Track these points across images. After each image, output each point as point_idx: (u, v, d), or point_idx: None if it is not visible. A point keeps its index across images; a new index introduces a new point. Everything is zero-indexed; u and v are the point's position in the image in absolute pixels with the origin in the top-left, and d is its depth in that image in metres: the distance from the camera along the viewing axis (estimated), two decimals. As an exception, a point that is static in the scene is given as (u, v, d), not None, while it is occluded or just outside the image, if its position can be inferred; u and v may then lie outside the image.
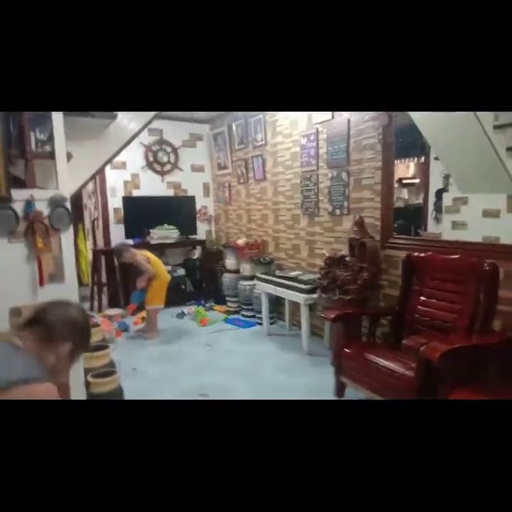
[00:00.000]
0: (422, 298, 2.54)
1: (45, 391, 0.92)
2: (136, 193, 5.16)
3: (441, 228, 2.73)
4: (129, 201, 4.97)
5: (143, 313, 4.41)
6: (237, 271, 4.70)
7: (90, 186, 5.10)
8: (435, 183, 2.91)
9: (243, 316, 4.53)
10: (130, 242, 4.59)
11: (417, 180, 2.99)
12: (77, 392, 1.96)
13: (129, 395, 2.37)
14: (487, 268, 2.19)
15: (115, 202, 5.00)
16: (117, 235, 4.91)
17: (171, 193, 5.41)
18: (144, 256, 3.89)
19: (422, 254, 2.58)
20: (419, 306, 2.53)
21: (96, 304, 4.83)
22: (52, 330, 1.06)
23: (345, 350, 2.52)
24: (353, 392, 2.58)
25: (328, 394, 2.64)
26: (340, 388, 2.59)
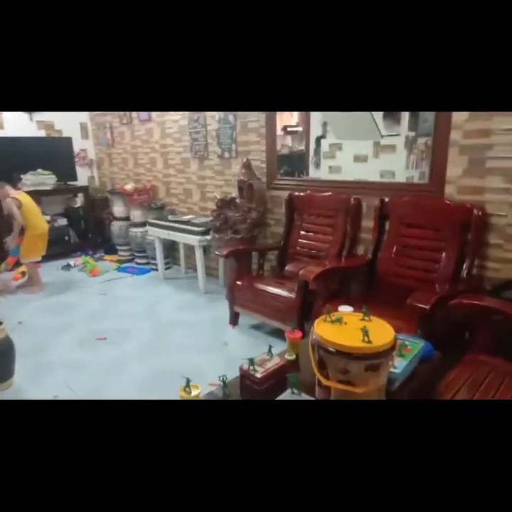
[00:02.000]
0: (302, 232, 2.86)
1: None
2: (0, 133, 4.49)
3: (320, 173, 2.99)
4: (-8, 142, 4.31)
5: (23, 268, 4.06)
6: (126, 218, 4.56)
7: None
8: (315, 130, 3.17)
9: (137, 263, 4.48)
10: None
11: (299, 128, 3.20)
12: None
13: (19, 348, 2.28)
14: (353, 202, 2.57)
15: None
16: (-20, 182, 4.28)
17: (42, 134, 4.83)
18: (15, 200, 3.53)
19: (301, 194, 2.88)
20: (300, 240, 2.86)
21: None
22: None
23: (238, 282, 2.76)
24: (247, 319, 2.87)
25: (224, 323, 2.89)
26: (234, 317, 2.86)
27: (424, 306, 1.72)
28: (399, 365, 1.24)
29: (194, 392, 1.14)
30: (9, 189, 3.63)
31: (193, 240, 3.43)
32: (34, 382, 2.25)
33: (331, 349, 1.04)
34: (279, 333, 2.57)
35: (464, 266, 2.08)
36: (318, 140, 3.14)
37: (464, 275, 2.07)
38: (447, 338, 1.84)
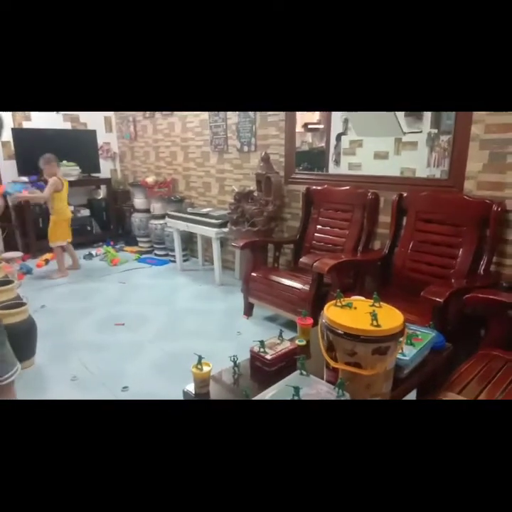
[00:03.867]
0: (318, 226, 2.87)
1: None
2: (27, 125, 4.65)
3: (339, 170, 2.99)
4: (20, 134, 4.48)
5: (45, 256, 4.22)
6: (147, 210, 4.66)
7: (-31, 114, 4.45)
8: (336, 128, 3.17)
9: (156, 255, 4.57)
10: (25, 179, 4.25)
11: (320, 126, 3.21)
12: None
13: (41, 330, 2.37)
14: (370, 197, 2.56)
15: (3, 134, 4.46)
16: (8, 171, 4.45)
17: (68, 126, 4.98)
18: (59, 181, 3.71)
19: (319, 188, 2.89)
20: (316, 234, 2.87)
21: (-11, 248, 4.44)
22: None
23: (253, 274, 2.79)
24: (261, 311, 2.90)
25: (238, 314, 2.93)
26: (248, 308, 2.89)
27: (438, 300, 1.71)
28: (408, 353, 1.25)
29: (205, 369, 1.18)
30: (58, 168, 3.79)
31: (211, 232, 3.48)
32: (54, 362, 2.34)
33: (339, 331, 1.06)
34: (292, 325, 2.59)
35: (481, 262, 2.06)
36: (338, 137, 3.13)
37: (481, 272, 2.05)
38: (461, 333, 1.84)
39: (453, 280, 2.04)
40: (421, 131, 2.46)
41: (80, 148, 4.88)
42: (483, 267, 2.05)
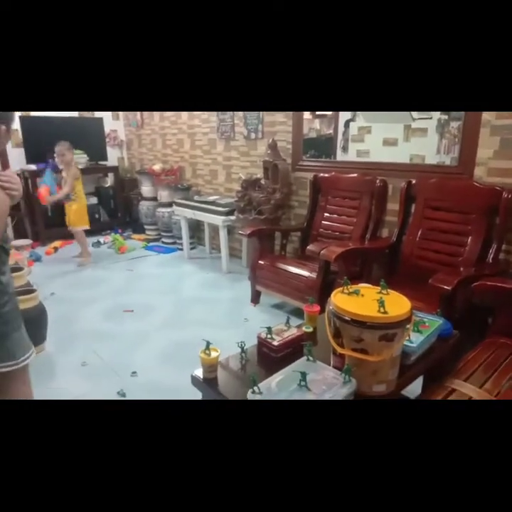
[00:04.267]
0: (326, 214, 2.86)
1: None
2: (34, 113, 4.65)
3: (347, 157, 2.96)
4: (28, 122, 4.48)
5: (55, 244, 4.26)
6: (154, 198, 4.66)
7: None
8: (345, 114, 3.12)
9: (163, 242, 4.59)
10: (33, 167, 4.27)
11: (329, 112, 3.17)
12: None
13: (50, 317, 2.41)
14: (378, 184, 2.54)
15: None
16: (17, 159, 4.47)
17: (75, 114, 4.96)
18: (77, 170, 3.77)
19: (326, 175, 2.86)
20: (323, 221, 2.86)
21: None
22: None
23: (260, 262, 2.80)
24: (268, 299, 2.92)
25: (245, 302, 2.95)
26: (255, 296, 2.91)
27: (446, 287, 1.71)
28: (415, 340, 1.25)
29: (213, 355, 1.19)
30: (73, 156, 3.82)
31: (218, 220, 3.48)
32: (64, 348, 2.38)
33: (346, 318, 1.06)
34: (299, 313, 2.60)
35: (490, 250, 2.04)
36: (347, 123, 3.08)
37: (490, 260, 2.03)
38: (468, 321, 1.83)
39: (461, 268, 2.02)
40: (431, 118, 2.42)
41: (87, 136, 4.87)
42: (492, 255, 2.03)
